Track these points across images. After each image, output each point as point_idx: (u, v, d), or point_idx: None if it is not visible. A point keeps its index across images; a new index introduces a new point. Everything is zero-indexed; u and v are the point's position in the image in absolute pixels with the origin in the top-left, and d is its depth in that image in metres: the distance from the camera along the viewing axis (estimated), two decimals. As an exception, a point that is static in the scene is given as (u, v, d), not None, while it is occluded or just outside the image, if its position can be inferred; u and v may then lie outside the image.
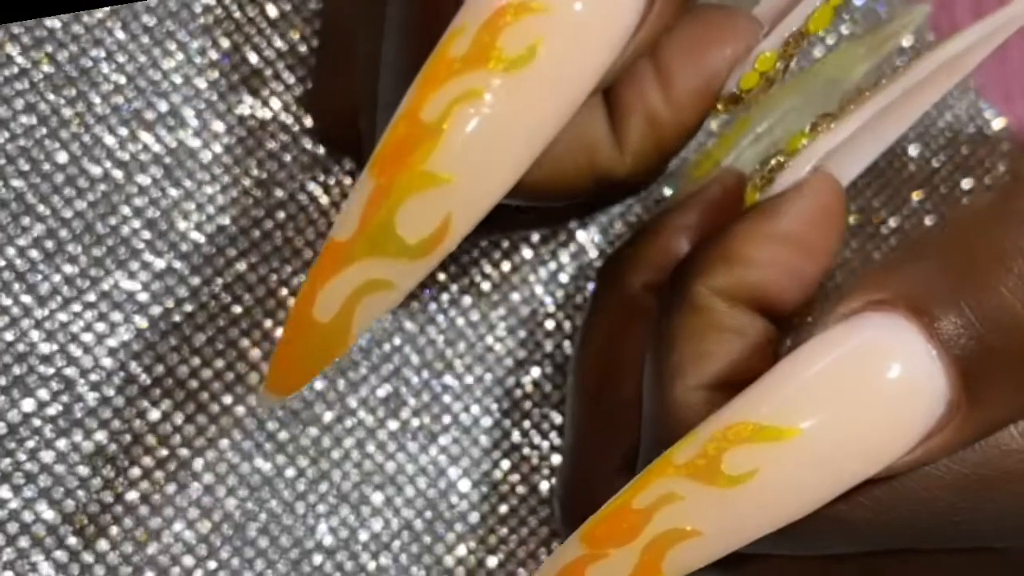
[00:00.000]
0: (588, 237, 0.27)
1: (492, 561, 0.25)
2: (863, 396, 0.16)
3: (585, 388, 0.24)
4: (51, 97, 0.24)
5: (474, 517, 0.25)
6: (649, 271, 0.23)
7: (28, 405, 0.23)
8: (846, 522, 0.18)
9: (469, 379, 0.26)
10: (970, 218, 0.18)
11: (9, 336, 0.23)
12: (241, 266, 0.25)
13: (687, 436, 0.17)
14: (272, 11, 0.26)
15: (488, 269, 0.26)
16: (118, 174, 0.24)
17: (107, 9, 0.25)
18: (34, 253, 0.23)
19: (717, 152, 0.24)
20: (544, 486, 0.26)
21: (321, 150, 0.26)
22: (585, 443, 0.24)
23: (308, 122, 0.25)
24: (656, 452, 0.20)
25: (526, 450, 0.26)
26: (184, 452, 0.24)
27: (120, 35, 0.25)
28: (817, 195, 0.21)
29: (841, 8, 0.22)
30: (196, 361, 0.24)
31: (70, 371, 0.23)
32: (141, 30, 0.25)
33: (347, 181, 0.26)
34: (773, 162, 0.22)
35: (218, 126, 0.25)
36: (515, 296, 0.27)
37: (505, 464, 0.26)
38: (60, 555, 0.23)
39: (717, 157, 0.24)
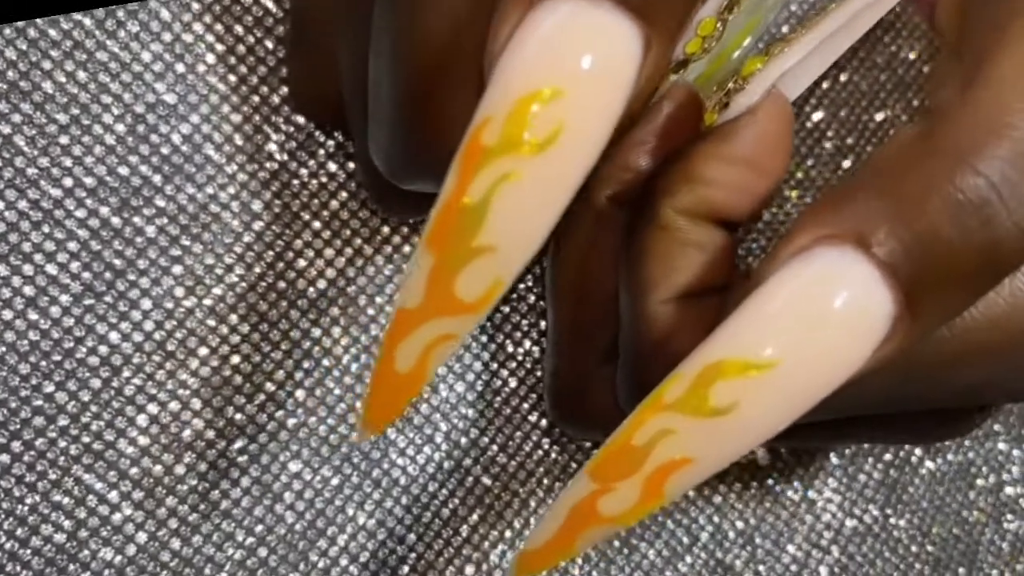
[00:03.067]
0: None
1: (502, 457, 0.29)
2: (822, 322, 0.18)
3: (564, 293, 0.27)
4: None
5: (482, 423, 0.29)
6: (613, 184, 0.26)
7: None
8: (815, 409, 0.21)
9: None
10: (899, 153, 0.20)
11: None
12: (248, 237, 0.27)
13: (672, 375, 0.19)
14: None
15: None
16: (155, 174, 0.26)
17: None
18: (74, 265, 0.25)
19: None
20: (540, 386, 0.30)
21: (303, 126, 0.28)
22: (569, 341, 0.27)
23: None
24: (634, 358, 0.24)
25: (520, 357, 0.30)
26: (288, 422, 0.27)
27: (117, 49, 0.26)
28: (769, 119, 0.24)
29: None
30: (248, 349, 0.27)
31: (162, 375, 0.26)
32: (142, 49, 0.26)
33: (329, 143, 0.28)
34: (730, 85, 0.24)
35: (226, 129, 0.27)
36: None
37: (503, 372, 0.29)
38: (193, 498, 0.26)
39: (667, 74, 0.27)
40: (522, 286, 0.30)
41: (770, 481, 0.32)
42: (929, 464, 0.34)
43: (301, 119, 0.28)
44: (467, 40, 0.19)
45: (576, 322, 0.27)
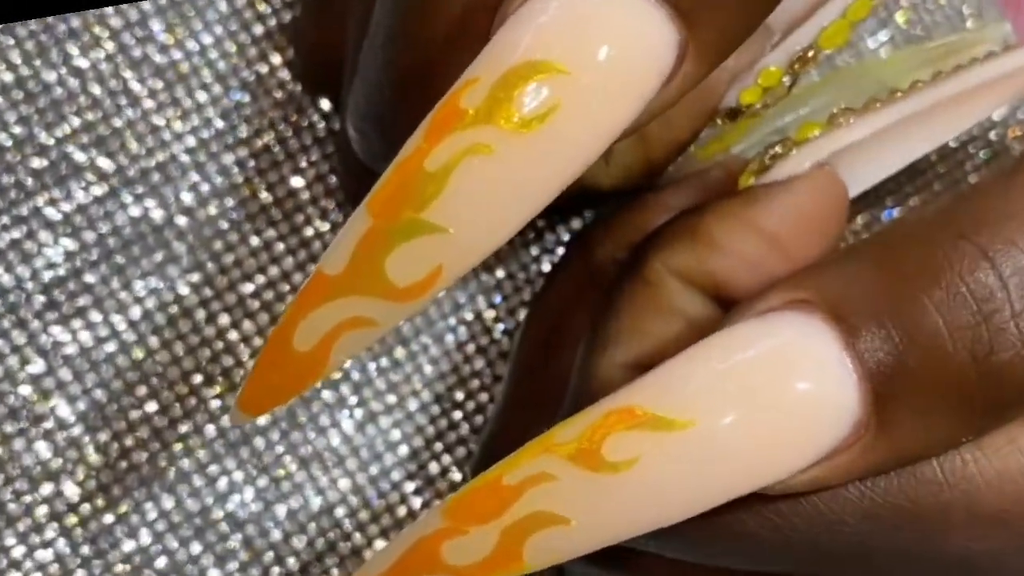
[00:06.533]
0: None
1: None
2: (767, 399, 0.15)
3: (525, 359, 0.23)
4: None
5: (402, 511, 0.23)
6: (620, 246, 0.22)
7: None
8: (744, 533, 0.17)
9: (422, 359, 0.24)
10: (910, 225, 0.16)
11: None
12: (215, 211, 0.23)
13: (576, 415, 0.16)
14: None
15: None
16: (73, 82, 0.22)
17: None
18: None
19: (730, 137, 0.22)
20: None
21: (297, 88, 0.24)
22: (512, 414, 0.23)
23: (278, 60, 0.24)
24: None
25: (474, 445, 0.24)
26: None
27: None
28: (812, 193, 0.19)
29: (860, 24, 0.19)
30: (122, 294, 0.22)
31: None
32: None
33: (320, 122, 0.24)
34: (777, 148, 0.19)
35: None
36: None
37: (446, 459, 0.23)
38: None
39: (729, 142, 0.22)
40: (481, 361, 0.24)
41: None
42: None
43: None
44: (481, 15, 0.16)
45: (528, 392, 0.22)
